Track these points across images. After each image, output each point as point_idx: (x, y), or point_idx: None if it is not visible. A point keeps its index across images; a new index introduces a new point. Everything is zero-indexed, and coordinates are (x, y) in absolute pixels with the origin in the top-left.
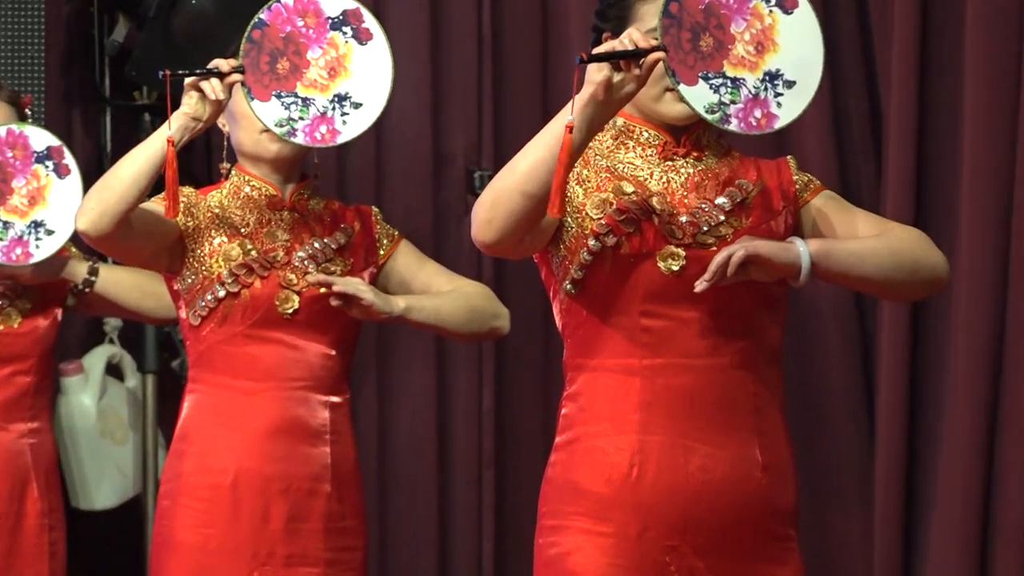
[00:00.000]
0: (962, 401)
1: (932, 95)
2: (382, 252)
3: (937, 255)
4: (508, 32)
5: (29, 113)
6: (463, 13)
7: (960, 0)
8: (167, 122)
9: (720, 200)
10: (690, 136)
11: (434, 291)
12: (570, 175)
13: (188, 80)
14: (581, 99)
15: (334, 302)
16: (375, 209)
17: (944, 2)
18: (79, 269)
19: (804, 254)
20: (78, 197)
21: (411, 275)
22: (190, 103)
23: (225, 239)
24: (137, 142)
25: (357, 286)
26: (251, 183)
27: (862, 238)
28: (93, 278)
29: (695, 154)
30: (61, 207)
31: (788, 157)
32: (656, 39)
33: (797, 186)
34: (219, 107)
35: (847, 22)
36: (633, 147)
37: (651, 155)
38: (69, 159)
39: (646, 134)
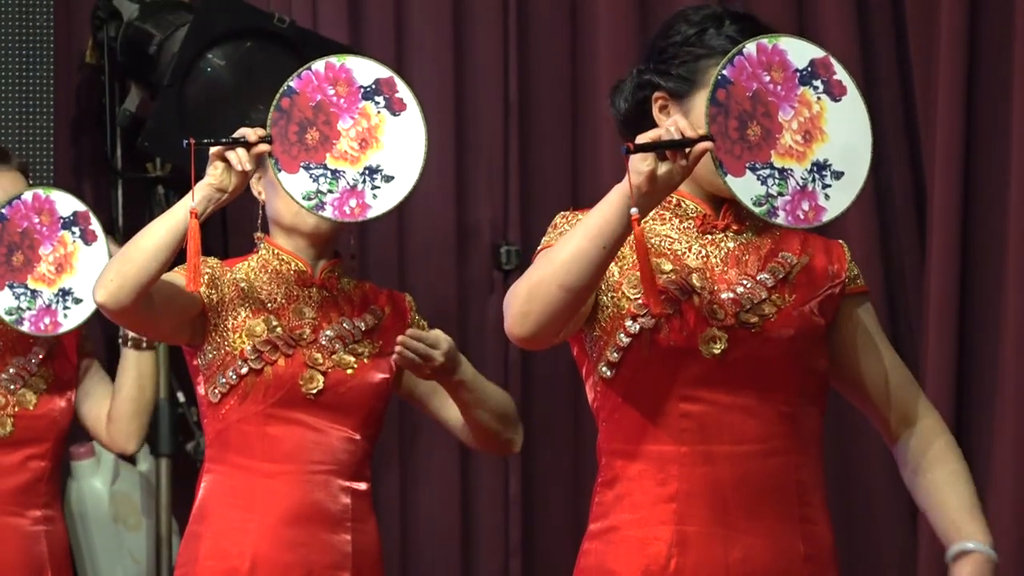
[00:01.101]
0: (1008, 489)
1: (976, 166)
2: None
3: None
4: (535, 100)
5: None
6: (489, 80)
7: (1006, 73)
8: (191, 192)
9: (762, 276)
10: (731, 208)
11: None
12: None
13: (214, 150)
14: (624, 189)
15: (400, 355)
16: (409, 297)
17: (990, 75)
18: None
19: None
20: (103, 265)
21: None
22: (215, 173)
23: (250, 314)
24: (150, 215)
25: (439, 341)
26: (281, 257)
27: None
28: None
29: (735, 227)
30: (89, 274)
31: (841, 242)
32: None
33: (849, 273)
34: (245, 178)
35: (889, 93)
36: (670, 219)
37: (689, 227)
38: (95, 225)
39: (684, 205)
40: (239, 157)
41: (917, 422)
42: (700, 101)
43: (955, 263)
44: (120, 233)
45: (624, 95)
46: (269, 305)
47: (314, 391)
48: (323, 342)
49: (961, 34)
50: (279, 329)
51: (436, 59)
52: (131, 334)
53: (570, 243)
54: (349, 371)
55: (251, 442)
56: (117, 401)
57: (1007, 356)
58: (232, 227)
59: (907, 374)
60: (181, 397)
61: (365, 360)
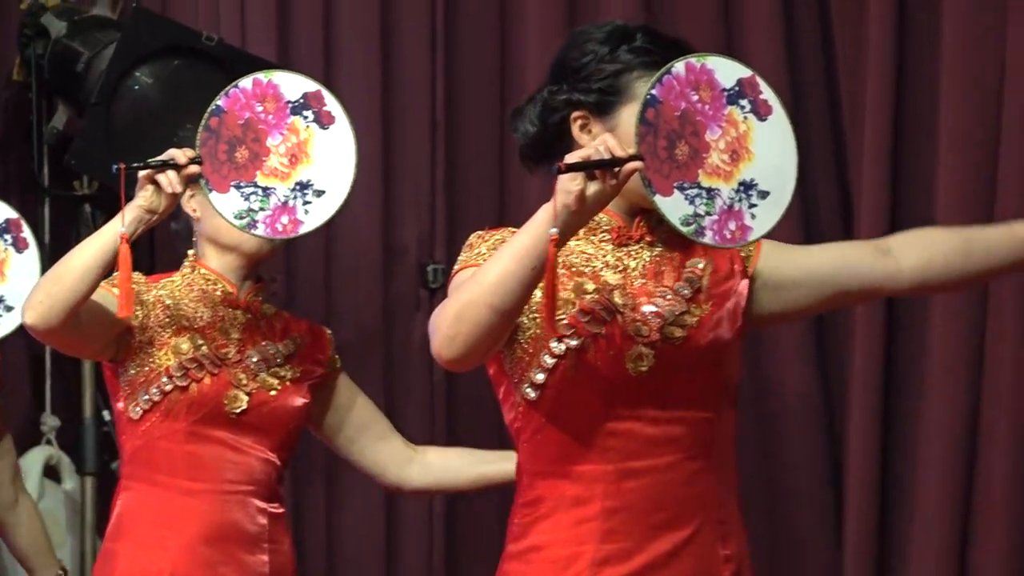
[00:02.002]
0: (934, 499)
1: (904, 178)
2: (328, 372)
3: None
4: (462, 119)
5: None
6: (416, 99)
7: (934, 80)
8: (121, 215)
9: (679, 286)
10: (644, 219)
11: (373, 428)
12: None
13: (143, 173)
14: (552, 209)
15: None
16: (330, 332)
17: (917, 85)
18: None
19: None
20: (36, 272)
21: (349, 402)
22: (145, 195)
23: (176, 332)
24: (77, 234)
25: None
26: (207, 277)
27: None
28: None
29: (648, 238)
30: (20, 283)
31: None
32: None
33: (741, 252)
34: (175, 200)
35: (815, 104)
36: (585, 234)
37: (604, 241)
38: (27, 233)
39: (598, 219)
40: (169, 179)
41: (894, 240)
42: (626, 116)
43: None
44: (47, 251)
45: (529, 119)
46: (195, 324)
47: (237, 410)
48: (248, 362)
49: (888, 45)
50: (204, 348)
51: (364, 78)
52: None
53: (498, 264)
54: (272, 392)
55: (171, 459)
56: None
57: (934, 363)
58: (159, 242)
59: (844, 243)
60: (107, 415)
61: (288, 383)
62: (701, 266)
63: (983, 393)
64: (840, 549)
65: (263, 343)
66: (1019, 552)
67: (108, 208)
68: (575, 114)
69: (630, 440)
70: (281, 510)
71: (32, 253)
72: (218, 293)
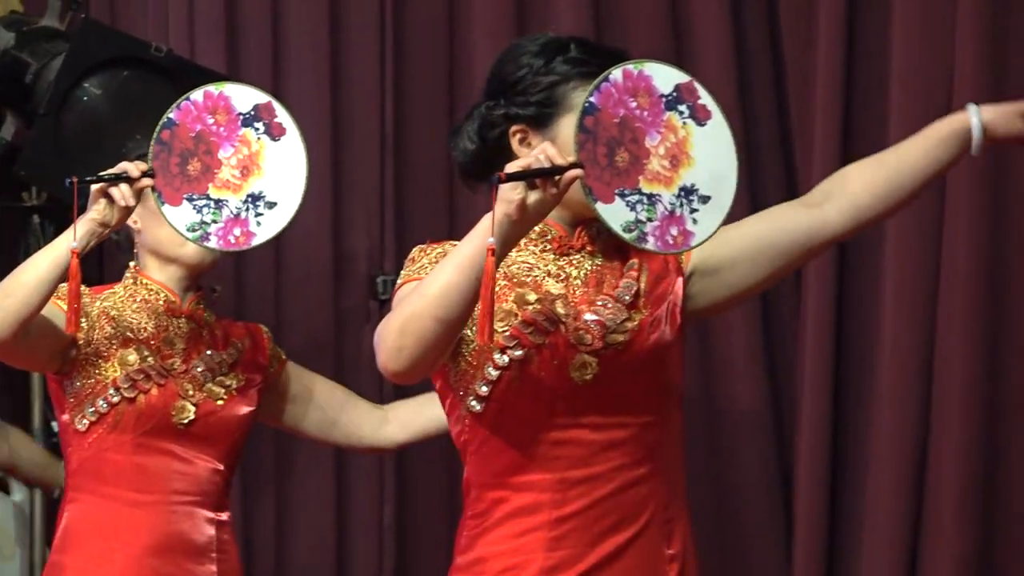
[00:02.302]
0: (883, 505)
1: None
2: (271, 370)
3: None
4: (411, 130)
5: None
6: (365, 111)
7: (883, 80)
8: (72, 229)
9: (619, 293)
10: (584, 228)
11: (337, 402)
12: None
13: (96, 186)
14: (496, 219)
15: None
16: (266, 329)
17: (867, 96)
18: None
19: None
20: None
21: (306, 386)
22: (98, 209)
23: (121, 343)
24: (26, 245)
25: None
26: (149, 287)
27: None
28: None
29: (590, 247)
30: None
31: None
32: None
33: (681, 260)
34: (128, 213)
35: (764, 107)
36: (526, 244)
37: (546, 251)
38: None
39: (539, 228)
40: (122, 193)
41: (817, 190)
42: (565, 126)
43: (832, 271)
44: None
45: (468, 136)
46: (139, 335)
47: (185, 421)
48: (194, 372)
49: (838, 47)
50: (151, 359)
51: (313, 90)
52: None
53: (441, 275)
54: (219, 402)
55: (118, 471)
56: None
57: (883, 359)
58: (108, 252)
59: (772, 208)
60: (56, 427)
61: (233, 392)
62: (636, 267)
63: (933, 400)
64: (789, 549)
65: (207, 352)
66: (969, 554)
67: (57, 219)
68: (514, 128)
69: (575, 448)
70: (226, 517)
71: None
72: (161, 303)
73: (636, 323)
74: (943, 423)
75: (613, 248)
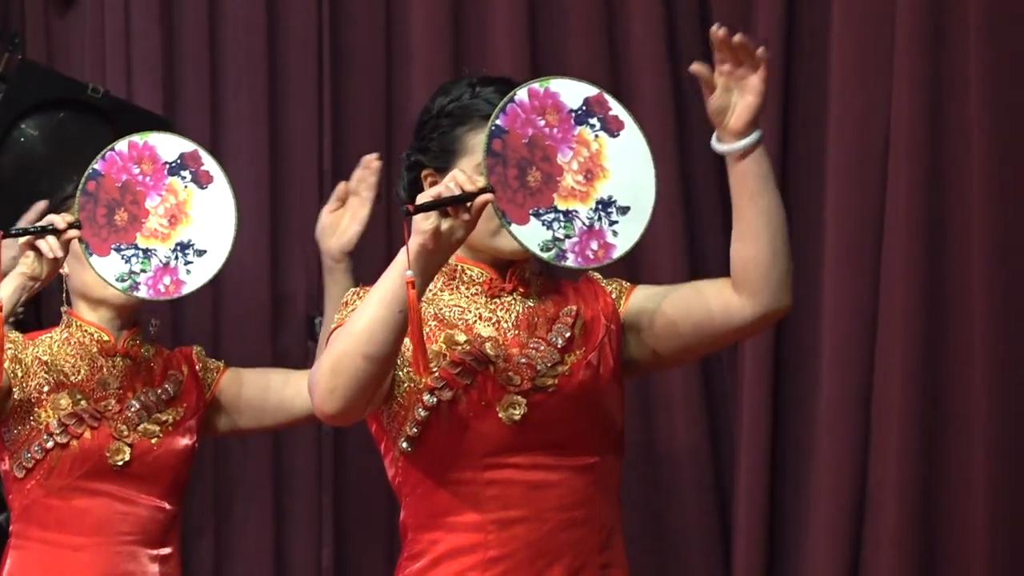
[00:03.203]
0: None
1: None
2: (209, 385)
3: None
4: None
5: None
6: (303, 150)
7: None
8: None
9: (552, 336)
10: (515, 271)
11: (277, 385)
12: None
13: (23, 240)
14: (412, 251)
15: None
16: (196, 348)
17: (804, 120)
18: None
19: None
20: None
21: (250, 391)
22: (27, 263)
23: (54, 388)
24: None
25: None
26: (84, 329)
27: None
28: None
29: (521, 289)
30: None
31: (592, 274)
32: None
33: (613, 296)
34: (57, 265)
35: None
36: (458, 287)
37: (477, 293)
38: None
39: (470, 272)
40: (50, 245)
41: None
42: (464, 169)
43: None
44: None
45: (403, 183)
46: (73, 378)
47: (120, 462)
48: (128, 413)
49: (776, 87)
50: (84, 402)
51: (250, 129)
52: None
53: (366, 312)
54: (154, 440)
55: (58, 516)
56: None
57: (823, 370)
58: (45, 298)
59: (689, 285)
60: None
61: (170, 428)
62: (573, 314)
63: (871, 451)
64: None
65: (143, 390)
66: None
67: None
68: (424, 172)
69: (509, 488)
70: (170, 550)
71: None
72: (95, 343)
73: (568, 366)
74: (879, 476)
75: (546, 290)
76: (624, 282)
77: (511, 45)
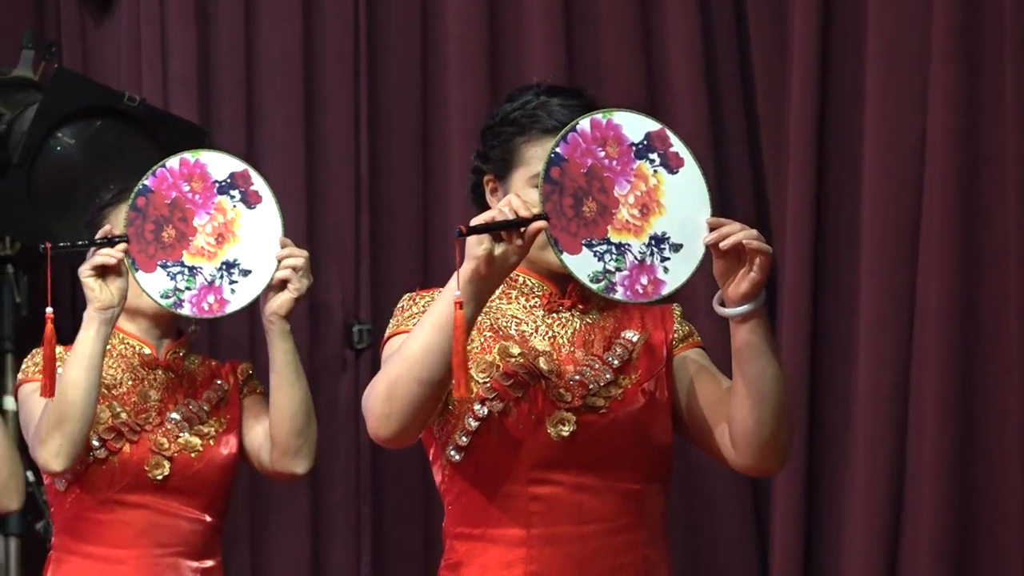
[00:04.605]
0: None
1: (829, 232)
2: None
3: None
4: (386, 179)
5: None
6: (340, 159)
7: (856, 144)
8: (86, 323)
9: (608, 356)
10: (576, 287)
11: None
12: None
13: (83, 276)
14: (464, 274)
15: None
16: (243, 366)
17: (840, 143)
18: None
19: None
20: None
21: (256, 422)
22: (95, 295)
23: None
24: None
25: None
26: (125, 341)
27: None
28: None
29: (581, 306)
30: None
31: (674, 305)
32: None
33: (676, 335)
34: (125, 282)
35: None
36: (516, 297)
37: (535, 306)
38: None
39: (530, 283)
40: (109, 251)
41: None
42: (517, 180)
43: (806, 291)
44: None
45: (470, 184)
46: (114, 391)
47: (160, 476)
48: (169, 425)
49: (812, 83)
50: (123, 415)
51: (287, 138)
52: None
53: (419, 337)
54: (194, 454)
55: (99, 530)
56: None
57: (859, 367)
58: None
59: (727, 390)
60: (31, 476)
61: (211, 441)
62: (635, 338)
63: (908, 448)
64: None
65: (185, 401)
66: None
67: (31, 269)
68: (486, 178)
69: (553, 506)
70: (212, 563)
71: None
72: (136, 355)
73: (622, 389)
74: (915, 491)
75: (608, 308)
76: (696, 334)
77: (546, 49)
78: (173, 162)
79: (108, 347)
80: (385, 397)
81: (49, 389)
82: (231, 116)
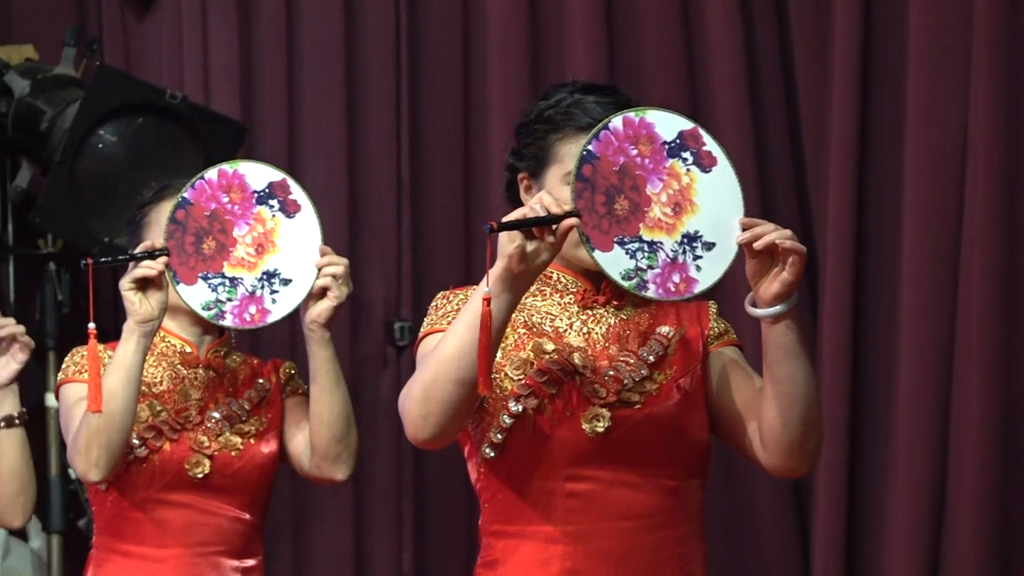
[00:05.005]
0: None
1: (870, 226)
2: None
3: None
4: (428, 176)
5: None
6: (382, 157)
7: (899, 146)
8: (126, 335)
9: (643, 352)
10: (610, 283)
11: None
12: None
13: (123, 288)
14: (495, 272)
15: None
16: (286, 365)
17: (881, 147)
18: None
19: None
20: None
21: (296, 427)
22: (134, 308)
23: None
24: (42, 292)
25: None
26: (166, 339)
27: None
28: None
29: (615, 302)
30: None
31: (710, 303)
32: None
33: (711, 332)
34: (165, 293)
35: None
36: (551, 294)
37: (569, 303)
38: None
39: (564, 280)
40: (150, 264)
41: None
42: (551, 178)
43: (847, 289)
44: (12, 310)
45: (504, 181)
46: (154, 388)
47: (200, 475)
48: (209, 424)
49: (853, 99)
50: (164, 414)
51: (329, 136)
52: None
53: (453, 337)
54: (235, 453)
55: (139, 528)
56: (1, 482)
57: (901, 369)
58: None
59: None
60: (73, 474)
61: (252, 440)
62: (670, 334)
63: (950, 449)
64: None
65: (226, 400)
66: None
67: (73, 266)
68: (520, 175)
69: (589, 502)
70: (254, 562)
71: None
72: (177, 354)
73: (657, 385)
74: (957, 492)
75: (642, 305)
76: (732, 332)
77: (588, 46)
78: (211, 173)
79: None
80: (422, 399)
81: (97, 403)
82: (273, 112)
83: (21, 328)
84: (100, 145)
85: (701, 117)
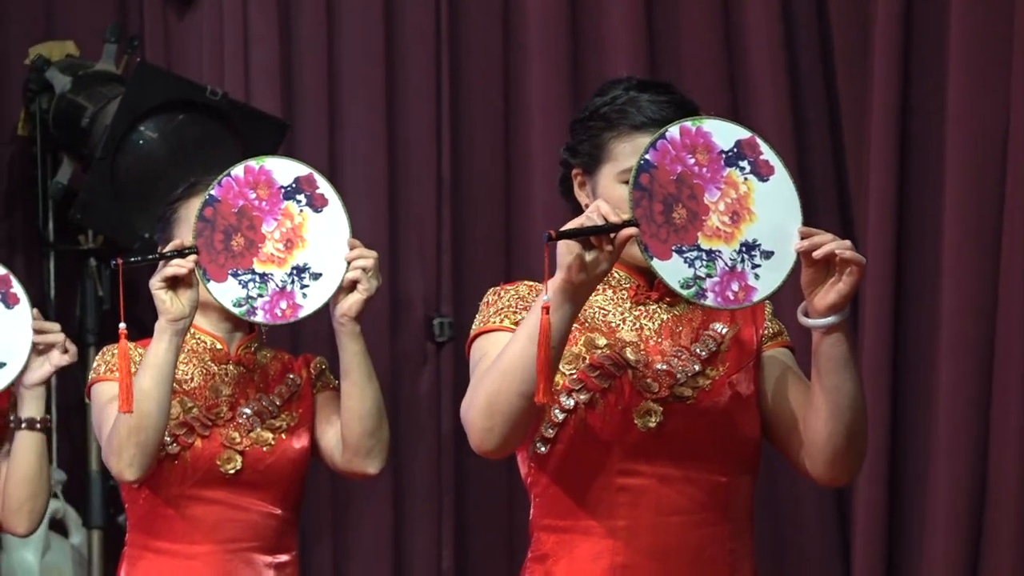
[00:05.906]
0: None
1: (910, 230)
2: (313, 396)
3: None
4: (467, 173)
5: None
6: (422, 153)
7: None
8: (160, 335)
9: (696, 348)
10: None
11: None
12: None
13: (156, 289)
14: (555, 283)
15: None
16: (317, 360)
17: (921, 155)
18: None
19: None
20: (27, 327)
21: (328, 422)
22: (165, 307)
23: None
24: (82, 288)
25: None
26: (196, 336)
27: None
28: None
29: (668, 299)
30: (10, 338)
31: (767, 302)
32: (629, 183)
33: (766, 332)
34: (195, 292)
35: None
36: (603, 289)
37: (622, 298)
38: (17, 287)
39: (617, 276)
40: (179, 262)
41: None
42: (605, 176)
43: (888, 293)
44: (52, 305)
45: (558, 177)
46: (185, 385)
47: (232, 471)
48: (240, 420)
49: (893, 110)
50: (195, 410)
51: (369, 132)
52: (24, 415)
53: (516, 348)
54: (266, 448)
55: (171, 525)
56: (12, 484)
57: (941, 369)
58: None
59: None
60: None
61: (283, 435)
62: (724, 331)
63: (990, 450)
64: None
65: (257, 396)
66: None
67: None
68: (574, 171)
69: (640, 497)
70: (287, 558)
71: (23, 308)
72: (207, 350)
73: (710, 380)
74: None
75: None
76: (786, 333)
77: (628, 42)
78: (238, 170)
79: None
80: (486, 412)
81: (127, 404)
82: (313, 109)
83: (64, 337)
84: (141, 141)
85: (740, 117)
